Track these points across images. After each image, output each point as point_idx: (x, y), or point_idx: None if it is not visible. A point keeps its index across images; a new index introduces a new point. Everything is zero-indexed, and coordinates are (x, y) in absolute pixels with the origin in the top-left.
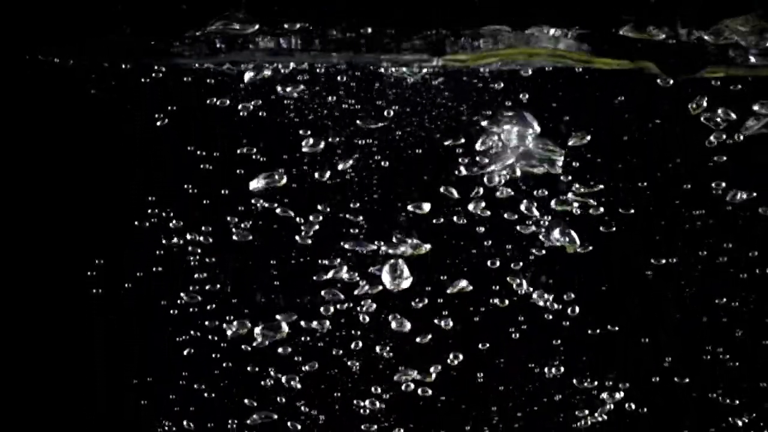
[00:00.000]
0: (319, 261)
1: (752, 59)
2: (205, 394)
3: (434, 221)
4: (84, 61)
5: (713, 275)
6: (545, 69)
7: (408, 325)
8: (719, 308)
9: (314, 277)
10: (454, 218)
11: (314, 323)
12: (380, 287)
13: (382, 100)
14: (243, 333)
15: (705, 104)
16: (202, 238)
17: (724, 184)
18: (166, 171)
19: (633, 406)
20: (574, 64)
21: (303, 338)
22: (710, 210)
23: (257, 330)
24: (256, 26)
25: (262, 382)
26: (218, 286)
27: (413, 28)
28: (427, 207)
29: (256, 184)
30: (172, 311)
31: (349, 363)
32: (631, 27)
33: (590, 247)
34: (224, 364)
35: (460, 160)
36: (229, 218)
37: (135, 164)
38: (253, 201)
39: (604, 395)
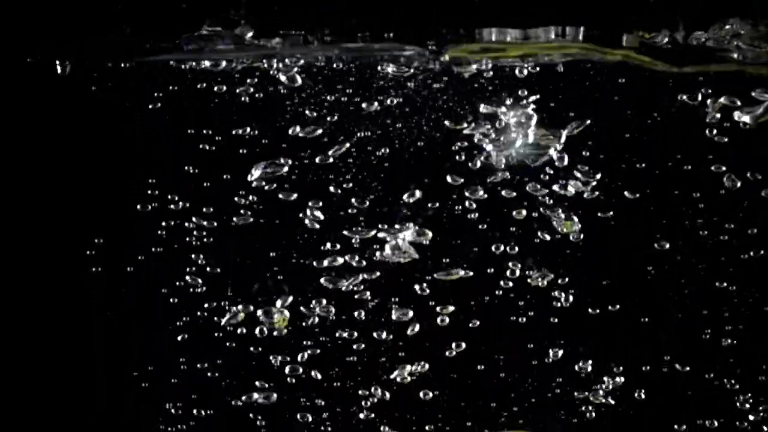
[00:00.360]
0: (321, 247)
1: (751, 57)
2: (208, 374)
3: (434, 208)
4: (84, 61)
5: (712, 261)
6: (550, 64)
7: (410, 313)
8: (717, 295)
9: (314, 263)
10: (455, 205)
11: (314, 309)
12: (378, 273)
13: (384, 92)
14: (241, 319)
15: (704, 97)
16: (205, 222)
17: (723, 168)
18: (166, 163)
19: (633, 391)
20: (602, 58)
21: (302, 323)
22: (708, 196)
23: (258, 314)
24: (252, 32)
25: (262, 366)
26: (218, 271)
27: (418, 24)
28: (419, 193)
29: (255, 173)
30: (171, 299)
31: (348, 349)
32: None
33: (582, 233)
34: (222, 350)
35: (460, 148)
36: (229, 206)
37: (136, 160)
38: (253, 189)
39: (605, 378)
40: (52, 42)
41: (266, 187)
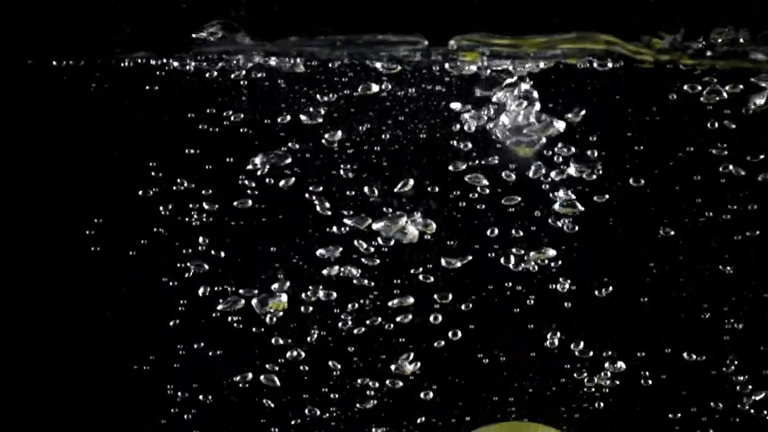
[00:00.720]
0: (321, 233)
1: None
2: (209, 354)
3: (435, 194)
4: (84, 61)
5: (712, 248)
6: (553, 58)
7: (410, 299)
8: (720, 281)
9: (316, 253)
10: (457, 192)
11: (313, 296)
12: (378, 262)
13: (385, 84)
14: (239, 306)
15: (704, 87)
16: (207, 206)
17: (726, 152)
18: (166, 159)
19: (635, 378)
20: (629, 55)
21: (304, 311)
22: (709, 184)
23: (254, 302)
24: (248, 39)
25: (261, 352)
26: (222, 256)
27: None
28: (411, 183)
29: (256, 162)
30: (168, 285)
31: (347, 336)
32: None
33: (583, 220)
34: (218, 337)
35: (462, 139)
36: (228, 198)
37: (136, 158)
38: (254, 179)
39: (608, 365)
40: (52, 42)
41: (266, 176)
